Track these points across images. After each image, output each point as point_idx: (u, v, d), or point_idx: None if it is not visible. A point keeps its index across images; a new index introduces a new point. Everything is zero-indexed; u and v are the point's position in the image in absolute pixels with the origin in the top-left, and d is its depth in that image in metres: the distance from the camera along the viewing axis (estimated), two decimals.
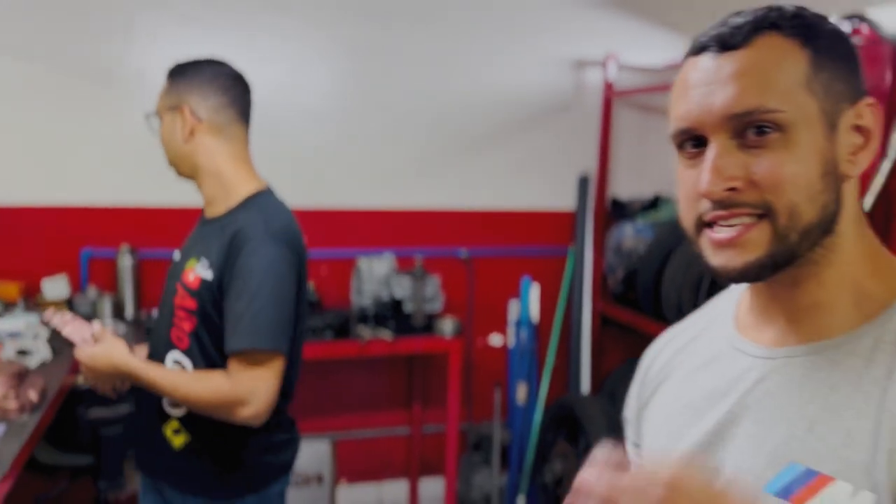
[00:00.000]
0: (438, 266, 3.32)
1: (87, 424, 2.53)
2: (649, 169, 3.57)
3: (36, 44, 2.93)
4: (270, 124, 3.22)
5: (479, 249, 3.50)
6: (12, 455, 1.69)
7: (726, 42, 0.68)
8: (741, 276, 0.71)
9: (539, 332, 3.49)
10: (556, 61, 3.46)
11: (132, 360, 1.60)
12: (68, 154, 2.98)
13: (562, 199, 3.56)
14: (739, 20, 0.69)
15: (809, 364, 0.72)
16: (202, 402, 1.55)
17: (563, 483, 3.15)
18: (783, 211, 0.68)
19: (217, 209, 1.66)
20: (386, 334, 2.94)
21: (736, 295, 0.85)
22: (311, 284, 3.27)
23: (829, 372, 0.70)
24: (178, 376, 1.58)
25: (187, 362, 1.63)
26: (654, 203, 3.38)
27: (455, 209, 3.47)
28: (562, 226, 3.57)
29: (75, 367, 2.46)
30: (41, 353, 2.35)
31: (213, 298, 1.58)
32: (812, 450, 0.68)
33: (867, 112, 0.71)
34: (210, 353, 1.61)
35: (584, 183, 3.50)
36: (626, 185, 3.60)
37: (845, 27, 2.56)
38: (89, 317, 2.86)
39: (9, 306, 2.71)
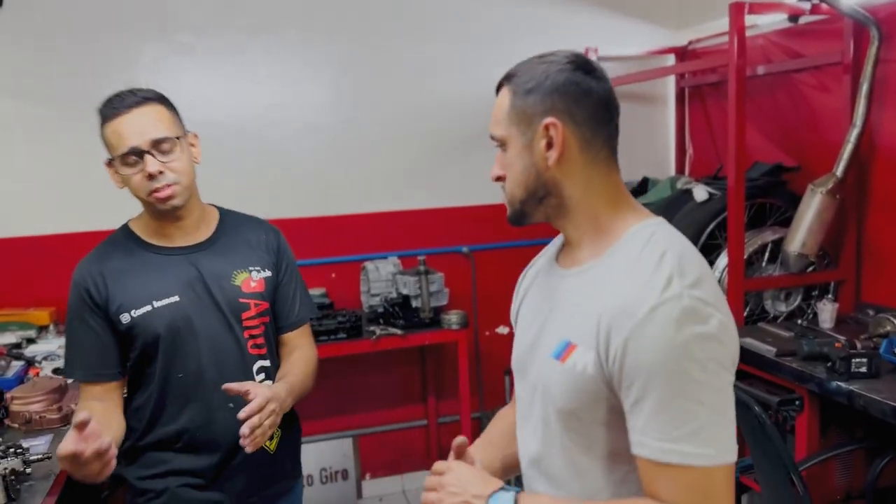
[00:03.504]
0: (442, 263, 3.47)
1: None
2: (634, 153, 3.70)
3: (54, 84, 3.12)
4: (270, 141, 3.39)
5: (479, 245, 3.66)
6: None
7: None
8: (511, 223, 1.16)
9: None
10: None
11: (277, 388, 1.61)
12: (89, 184, 3.15)
13: None
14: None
15: (574, 279, 1.12)
16: (312, 377, 1.79)
17: None
18: (507, 191, 1.14)
19: (199, 235, 1.72)
20: (396, 330, 3.09)
21: (559, 238, 1.24)
22: (322, 289, 3.45)
23: (581, 283, 1.10)
24: (294, 377, 1.71)
25: (268, 363, 1.72)
26: (643, 185, 3.50)
27: (454, 206, 3.63)
28: None
29: None
30: None
31: (273, 291, 1.77)
32: (570, 328, 1.08)
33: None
34: (273, 341, 1.77)
35: None
36: None
37: (805, 5, 2.70)
38: None
39: (41, 331, 2.88)
